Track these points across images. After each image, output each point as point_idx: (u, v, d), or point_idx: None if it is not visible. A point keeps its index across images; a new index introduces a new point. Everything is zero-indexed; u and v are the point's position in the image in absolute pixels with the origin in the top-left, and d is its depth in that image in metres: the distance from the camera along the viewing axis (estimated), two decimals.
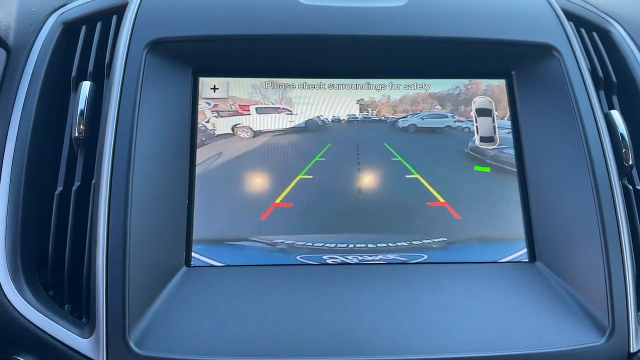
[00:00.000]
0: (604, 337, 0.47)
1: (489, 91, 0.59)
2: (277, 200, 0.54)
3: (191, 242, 0.52)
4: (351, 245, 0.53)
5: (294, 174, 0.55)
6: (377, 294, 0.49)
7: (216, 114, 0.57)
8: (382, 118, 0.58)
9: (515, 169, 0.56)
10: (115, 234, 0.47)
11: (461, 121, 0.58)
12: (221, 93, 0.57)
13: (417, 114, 0.58)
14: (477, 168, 0.56)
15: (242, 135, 0.56)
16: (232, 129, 0.56)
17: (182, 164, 0.54)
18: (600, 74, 0.60)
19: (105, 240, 0.47)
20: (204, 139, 0.56)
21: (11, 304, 0.47)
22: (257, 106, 0.57)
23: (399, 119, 0.58)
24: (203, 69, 0.57)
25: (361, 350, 0.46)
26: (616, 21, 0.66)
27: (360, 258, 0.53)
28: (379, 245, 0.53)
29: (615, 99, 0.60)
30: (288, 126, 0.57)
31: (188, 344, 0.45)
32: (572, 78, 0.55)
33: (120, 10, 0.58)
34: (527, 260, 0.54)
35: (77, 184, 0.51)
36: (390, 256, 0.53)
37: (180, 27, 0.54)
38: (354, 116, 0.58)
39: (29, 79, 0.55)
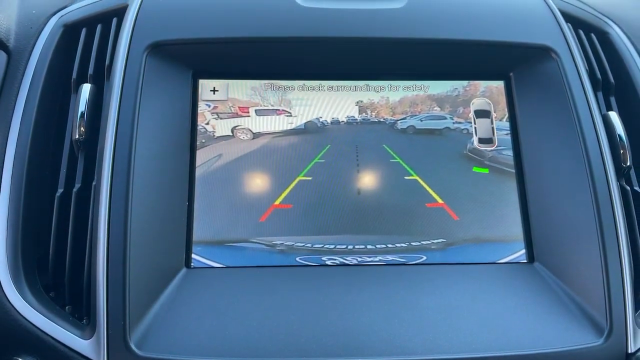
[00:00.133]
0: (602, 338, 0.47)
1: (488, 93, 0.60)
2: (277, 202, 0.54)
3: (191, 243, 0.53)
4: (350, 247, 0.54)
5: (294, 175, 0.55)
6: (376, 295, 0.50)
7: (216, 116, 0.57)
8: (381, 120, 0.58)
9: (513, 170, 0.57)
10: (116, 236, 0.47)
11: (460, 123, 0.59)
12: (221, 95, 0.57)
13: (415, 115, 0.59)
14: (475, 169, 0.57)
15: (241, 137, 0.57)
16: (232, 130, 0.57)
17: (182, 165, 0.54)
18: (598, 76, 0.60)
19: (105, 242, 0.47)
20: (203, 140, 0.56)
21: (12, 305, 0.48)
22: (257, 108, 0.58)
23: (398, 120, 0.58)
24: (203, 71, 0.57)
25: (360, 350, 0.46)
26: (614, 22, 0.66)
27: (359, 259, 0.53)
28: (378, 246, 0.54)
29: (613, 100, 0.60)
30: (287, 128, 0.57)
31: (188, 344, 0.46)
32: (570, 79, 0.55)
33: (120, 13, 0.58)
34: (525, 261, 0.54)
35: (77, 185, 0.52)
36: (389, 257, 0.53)
37: (180, 29, 0.55)
38: (353, 118, 0.58)
39: (30, 81, 0.55)
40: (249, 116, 0.57)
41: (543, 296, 0.51)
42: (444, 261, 0.53)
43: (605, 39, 0.65)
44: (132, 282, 0.46)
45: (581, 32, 0.64)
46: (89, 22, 0.60)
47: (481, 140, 0.58)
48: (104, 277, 0.46)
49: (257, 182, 0.55)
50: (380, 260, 0.53)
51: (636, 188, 0.56)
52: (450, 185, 0.56)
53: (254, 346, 0.46)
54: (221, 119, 0.57)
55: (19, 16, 0.59)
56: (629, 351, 0.48)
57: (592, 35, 0.64)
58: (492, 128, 0.59)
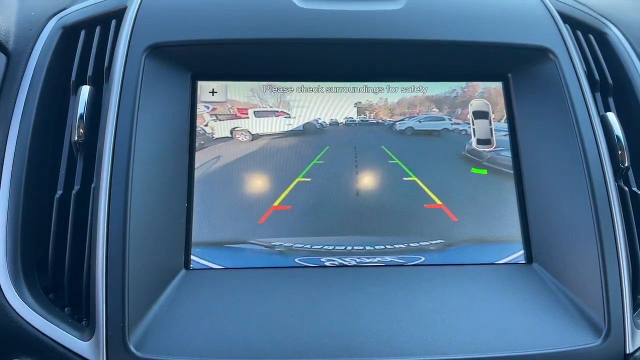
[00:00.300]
0: (600, 338, 0.47)
1: (486, 94, 0.60)
2: (276, 203, 0.54)
3: (190, 245, 0.53)
4: (349, 248, 0.54)
5: (293, 176, 0.55)
6: (375, 296, 0.50)
7: (215, 118, 0.57)
8: (380, 121, 0.58)
9: (512, 171, 0.57)
10: (115, 237, 0.47)
11: (458, 124, 0.59)
12: (220, 97, 0.58)
13: (414, 116, 0.59)
14: (474, 170, 0.57)
15: (240, 139, 0.57)
16: (231, 132, 0.57)
17: (181, 167, 0.54)
18: (597, 76, 0.60)
19: (104, 244, 0.47)
20: (202, 142, 0.56)
21: (12, 307, 0.48)
22: (256, 109, 0.58)
23: (397, 121, 0.58)
24: (202, 72, 0.57)
25: (359, 351, 0.46)
26: (612, 23, 0.66)
27: (358, 260, 0.53)
28: (376, 247, 0.54)
29: (611, 101, 0.61)
30: (286, 129, 0.57)
31: (187, 346, 0.46)
32: (568, 80, 0.56)
33: (119, 15, 0.58)
34: (524, 262, 0.54)
35: (76, 187, 0.52)
36: (388, 258, 0.53)
37: (178, 31, 0.55)
38: (351, 119, 0.58)
39: (29, 83, 0.55)
40: (247, 117, 0.57)
41: (541, 297, 0.51)
42: (443, 262, 0.53)
43: (603, 40, 0.65)
44: (131, 284, 0.46)
45: (579, 33, 0.64)
46: (88, 23, 0.60)
47: (479, 141, 0.58)
48: (103, 279, 0.46)
49: (256, 183, 0.55)
50: (379, 261, 0.53)
51: (634, 189, 0.56)
52: (449, 186, 0.56)
53: (253, 347, 0.46)
54: (220, 120, 0.57)
55: (18, 18, 0.59)
56: (627, 351, 0.48)
57: (590, 36, 0.65)
58: (491, 129, 0.59)
